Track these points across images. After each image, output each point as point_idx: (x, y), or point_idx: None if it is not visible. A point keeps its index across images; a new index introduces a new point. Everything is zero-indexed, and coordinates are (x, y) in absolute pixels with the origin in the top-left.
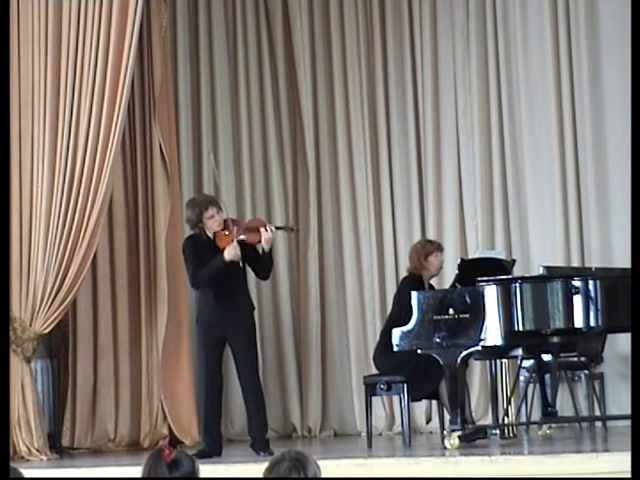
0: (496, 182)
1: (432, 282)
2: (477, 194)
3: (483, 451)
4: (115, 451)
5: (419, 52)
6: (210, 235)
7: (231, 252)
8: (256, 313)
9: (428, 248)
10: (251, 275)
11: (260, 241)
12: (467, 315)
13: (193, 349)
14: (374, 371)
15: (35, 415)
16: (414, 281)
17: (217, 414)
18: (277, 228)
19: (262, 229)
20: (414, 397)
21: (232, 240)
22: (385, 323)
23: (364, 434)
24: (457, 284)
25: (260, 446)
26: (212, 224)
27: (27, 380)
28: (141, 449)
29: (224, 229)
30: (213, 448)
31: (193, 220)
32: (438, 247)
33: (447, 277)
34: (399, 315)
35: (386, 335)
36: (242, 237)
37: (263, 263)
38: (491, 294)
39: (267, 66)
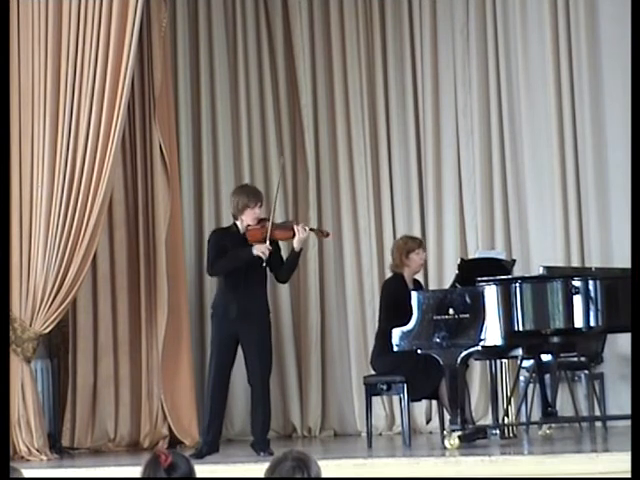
0: (496, 182)
1: (431, 281)
2: (477, 194)
3: (483, 451)
4: (115, 451)
5: (419, 52)
6: (241, 228)
7: (261, 248)
8: None
9: (410, 245)
10: None
11: (292, 237)
12: (467, 315)
13: (193, 349)
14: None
15: (35, 415)
16: (396, 282)
17: (222, 412)
18: (311, 229)
19: (296, 227)
20: (414, 397)
21: (265, 236)
22: (377, 327)
23: (364, 434)
24: (457, 284)
25: (260, 446)
26: (248, 218)
27: (27, 380)
28: (141, 449)
29: (258, 224)
30: (211, 446)
31: (237, 207)
32: (420, 244)
33: (447, 277)
34: (388, 319)
35: (380, 338)
36: (275, 233)
37: (288, 264)
38: (491, 294)
39: (267, 66)
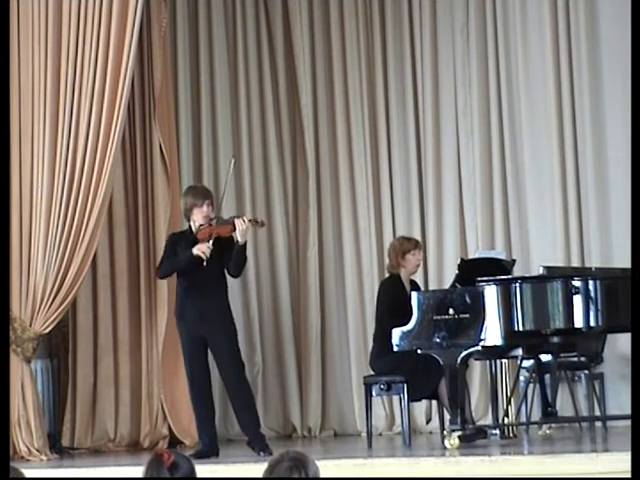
0: (496, 182)
1: (431, 281)
2: (477, 194)
3: (483, 451)
4: (115, 451)
5: (419, 52)
6: (194, 229)
7: (201, 248)
8: (256, 313)
9: (406, 246)
10: (251, 276)
11: (233, 230)
12: (467, 315)
13: None
14: None
15: (35, 415)
16: (393, 282)
17: (210, 412)
18: (249, 221)
19: (236, 220)
20: (414, 397)
21: (208, 235)
22: (375, 328)
23: (364, 434)
24: (457, 284)
25: (258, 445)
26: (198, 217)
27: (27, 380)
28: (141, 449)
29: (209, 223)
30: (210, 448)
31: (186, 207)
32: (416, 245)
33: (447, 277)
34: (387, 319)
35: (379, 339)
36: (219, 230)
37: (235, 258)
38: (491, 294)
39: (267, 66)
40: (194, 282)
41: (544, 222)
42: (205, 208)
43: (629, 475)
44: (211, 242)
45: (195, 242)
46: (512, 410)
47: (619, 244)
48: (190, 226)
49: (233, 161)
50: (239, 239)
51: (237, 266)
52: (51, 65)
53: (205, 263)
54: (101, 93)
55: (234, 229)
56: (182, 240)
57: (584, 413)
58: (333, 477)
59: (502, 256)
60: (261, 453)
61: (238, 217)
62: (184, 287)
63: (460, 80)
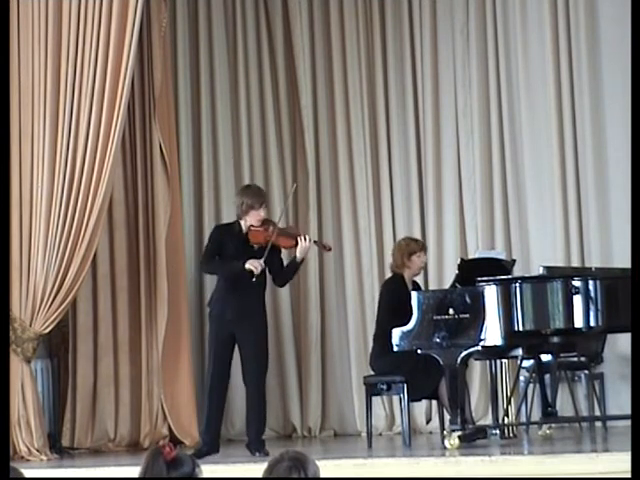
0: (496, 182)
1: (431, 281)
2: (477, 194)
3: (483, 451)
4: (115, 451)
5: (419, 52)
6: (244, 227)
7: (254, 263)
8: None
9: (412, 247)
10: None
11: (294, 246)
12: (467, 315)
13: (193, 349)
14: None
15: (35, 415)
16: (396, 282)
17: (219, 413)
18: (314, 242)
19: (300, 237)
20: (414, 397)
21: (268, 240)
22: (376, 328)
23: (364, 434)
24: (457, 284)
25: (255, 446)
26: (252, 219)
27: (27, 380)
28: (141, 449)
29: (262, 225)
30: (211, 446)
31: (241, 208)
32: (422, 247)
33: (447, 277)
34: (388, 319)
35: (380, 339)
36: (278, 240)
37: (288, 271)
38: (491, 294)
39: (267, 66)
40: (236, 282)
41: (544, 222)
42: (262, 212)
43: (629, 475)
44: (263, 259)
45: (245, 240)
46: (512, 410)
47: (619, 244)
48: (239, 222)
49: (295, 186)
50: (297, 255)
51: (286, 280)
52: (51, 65)
53: (254, 279)
54: (101, 93)
55: (296, 245)
56: (229, 234)
57: (584, 413)
58: (333, 477)
59: (502, 256)
60: (257, 453)
61: (300, 234)
62: (228, 286)
63: (460, 80)
